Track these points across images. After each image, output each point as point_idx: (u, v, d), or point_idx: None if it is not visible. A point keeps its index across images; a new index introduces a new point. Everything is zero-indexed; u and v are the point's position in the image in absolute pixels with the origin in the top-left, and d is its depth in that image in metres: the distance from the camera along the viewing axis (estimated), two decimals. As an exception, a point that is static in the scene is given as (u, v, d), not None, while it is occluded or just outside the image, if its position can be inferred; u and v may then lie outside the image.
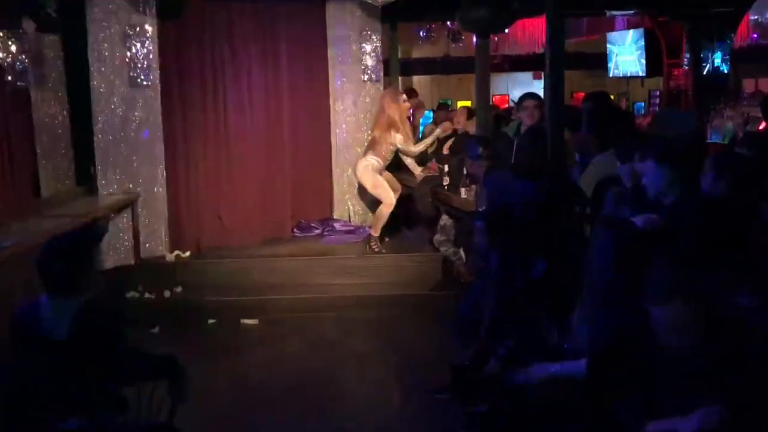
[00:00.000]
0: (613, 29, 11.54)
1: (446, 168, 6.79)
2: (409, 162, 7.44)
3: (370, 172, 6.95)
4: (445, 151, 7.34)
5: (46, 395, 2.79)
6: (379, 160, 6.96)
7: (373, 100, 7.84)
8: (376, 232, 6.97)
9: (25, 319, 2.82)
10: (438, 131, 7.40)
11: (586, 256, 3.14)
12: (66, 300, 2.79)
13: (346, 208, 8.02)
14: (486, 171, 4.86)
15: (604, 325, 2.88)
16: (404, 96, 7.20)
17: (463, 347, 3.80)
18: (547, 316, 3.44)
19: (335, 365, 5.32)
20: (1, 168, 6.22)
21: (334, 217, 8.01)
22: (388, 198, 6.87)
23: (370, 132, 7.62)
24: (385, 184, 6.96)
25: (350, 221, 7.95)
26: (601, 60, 12.03)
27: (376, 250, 6.93)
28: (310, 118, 7.82)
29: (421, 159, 7.68)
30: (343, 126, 7.81)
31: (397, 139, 6.96)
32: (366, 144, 7.39)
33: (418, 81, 14.31)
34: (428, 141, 7.35)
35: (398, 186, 7.18)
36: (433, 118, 9.77)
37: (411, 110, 7.27)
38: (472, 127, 7.05)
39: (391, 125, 6.92)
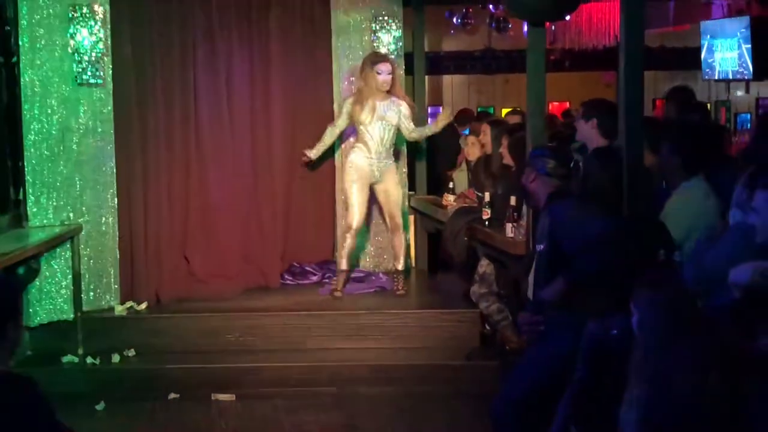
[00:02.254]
0: (709, 17, 11.55)
1: (487, 196, 6.76)
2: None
3: (348, 169, 7.31)
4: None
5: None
6: (362, 146, 7.27)
7: (391, 106, 7.91)
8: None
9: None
10: (443, 121, 7.55)
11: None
12: (-19, 367, 2.79)
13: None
14: (552, 193, 4.78)
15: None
16: (386, 66, 7.24)
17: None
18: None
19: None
20: None
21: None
22: (350, 217, 7.22)
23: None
24: (356, 199, 7.21)
25: (359, 265, 7.94)
26: (692, 57, 12.03)
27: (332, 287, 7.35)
28: (307, 129, 7.87)
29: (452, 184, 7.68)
30: (351, 139, 7.84)
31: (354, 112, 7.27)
32: None
33: (450, 81, 14.36)
34: (426, 130, 7.63)
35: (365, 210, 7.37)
36: (470, 131, 9.78)
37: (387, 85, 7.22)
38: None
39: (357, 99, 7.24)
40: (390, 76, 7.21)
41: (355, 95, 7.30)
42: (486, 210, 6.69)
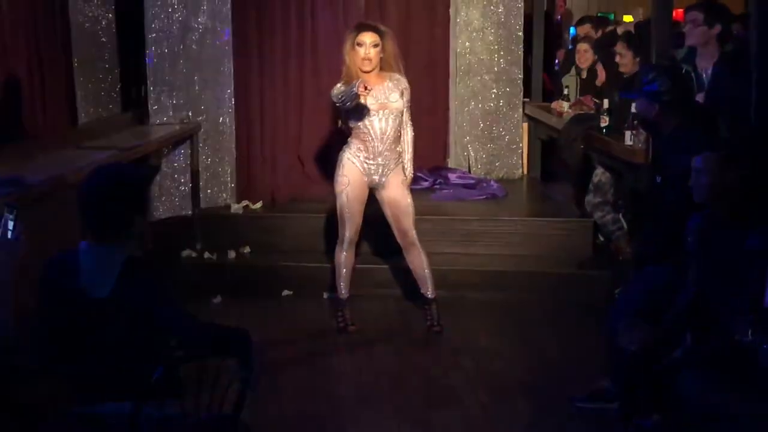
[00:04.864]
0: None
1: (605, 103, 6.62)
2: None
3: (339, 173, 5.60)
4: None
5: (73, 369, 2.92)
6: (358, 144, 5.53)
7: (507, 9, 7.81)
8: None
9: (58, 270, 2.95)
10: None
11: None
12: (111, 249, 2.90)
13: (465, 154, 7.99)
14: (661, 113, 4.58)
15: None
16: (369, 37, 5.38)
17: (627, 345, 3.73)
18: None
19: (444, 364, 5.33)
20: (29, 86, 6.48)
21: (450, 166, 8.00)
22: (342, 229, 5.64)
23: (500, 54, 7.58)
24: (346, 206, 5.57)
25: (470, 172, 7.93)
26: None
27: (341, 324, 5.83)
28: (422, 32, 7.83)
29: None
30: (467, 44, 7.79)
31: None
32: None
33: (568, -13, 13.95)
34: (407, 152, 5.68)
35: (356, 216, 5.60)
36: (576, 35, 9.48)
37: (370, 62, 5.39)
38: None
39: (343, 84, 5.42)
40: (375, 49, 5.39)
41: (342, 80, 5.45)
42: (604, 117, 6.55)
